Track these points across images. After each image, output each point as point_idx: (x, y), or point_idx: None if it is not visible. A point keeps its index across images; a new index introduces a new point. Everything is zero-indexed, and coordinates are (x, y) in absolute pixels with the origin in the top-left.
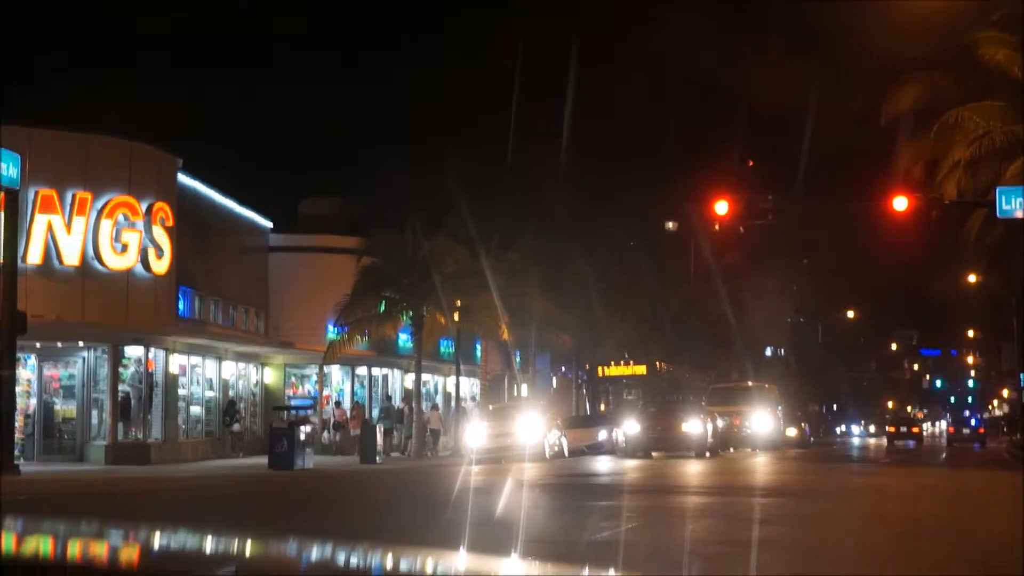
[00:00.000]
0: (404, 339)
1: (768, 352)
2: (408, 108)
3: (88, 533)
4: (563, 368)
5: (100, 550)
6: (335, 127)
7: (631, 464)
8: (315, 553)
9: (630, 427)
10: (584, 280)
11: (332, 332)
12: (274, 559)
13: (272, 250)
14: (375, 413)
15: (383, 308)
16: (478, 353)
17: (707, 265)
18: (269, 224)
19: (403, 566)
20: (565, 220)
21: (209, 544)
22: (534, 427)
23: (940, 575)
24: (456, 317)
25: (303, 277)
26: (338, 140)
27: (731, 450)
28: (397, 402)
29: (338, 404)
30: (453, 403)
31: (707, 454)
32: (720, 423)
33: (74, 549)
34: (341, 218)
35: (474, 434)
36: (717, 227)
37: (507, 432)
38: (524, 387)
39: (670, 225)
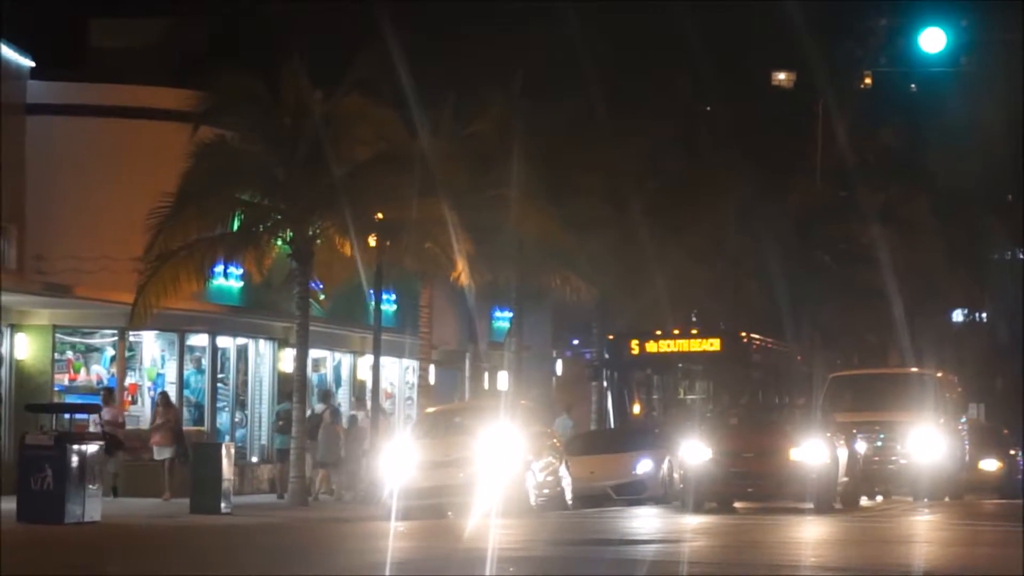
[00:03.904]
0: (279, 283)
1: (958, 316)
2: None
3: None
4: (575, 341)
5: None
6: None
7: (695, 524)
8: None
9: (692, 452)
10: (615, 177)
11: (144, 270)
12: None
13: (34, 110)
14: (224, 418)
15: (239, 222)
16: (417, 312)
17: (846, 152)
18: (28, 63)
19: None
20: (582, 64)
21: None
22: (508, 450)
23: None
24: (374, 242)
25: (92, 162)
26: None
27: (878, 498)
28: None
29: (109, 394)
30: (369, 402)
31: (837, 504)
32: (860, 446)
33: None
34: (165, 55)
35: (394, 463)
36: (868, 81)
37: (455, 458)
38: (503, 375)
39: (782, 77)
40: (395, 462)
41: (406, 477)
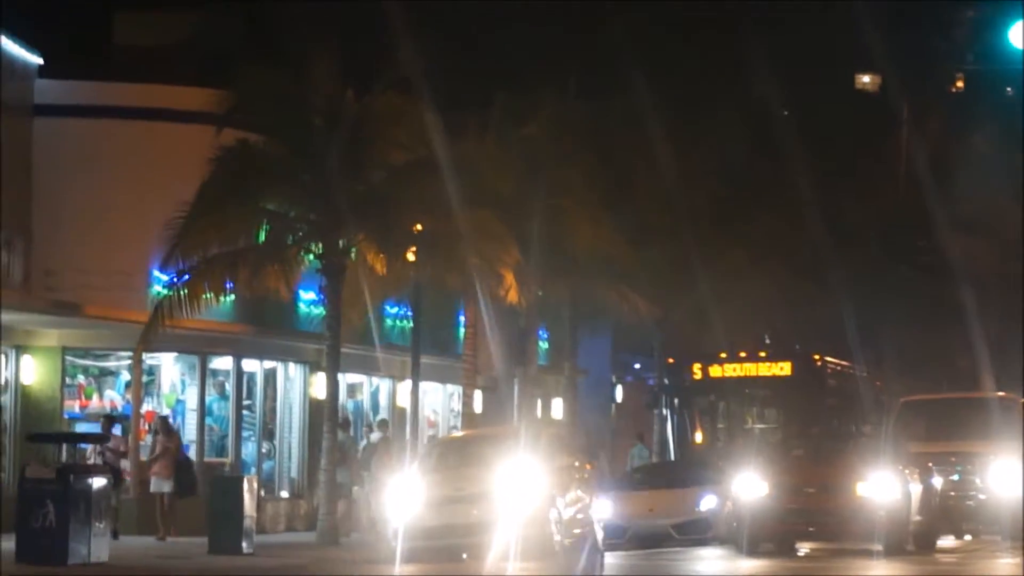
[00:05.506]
0: (308, 302)
1: None
2: None
3: None
4: (636, 365)
5: None
6: None
7: (749, 568)
8: None
9: (747, 486)
10: (678, 185)
11: (161, 284)
12: None
13: (43, 111)
14: (250, 448)
15: (264, 234)
16: (461, 334)
17: (932, 159)
18: (36, 60)
19: None
20: (645, 64)
21: None
22: (529, 484)
23: None
24: (412, 256)
25: (106, 168)
26: None
27: (966, 536)
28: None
29: (110, 421)
30: (408, 428)
31: (909, 546)
32: (937, 481)
33: None
34: (195, 53)
35: (399, 499)
36: (959, 85)
37: (469, 493)
38: (557, 402)
39: (866, 80)
40: (402, 497)
41: (413, 514)
